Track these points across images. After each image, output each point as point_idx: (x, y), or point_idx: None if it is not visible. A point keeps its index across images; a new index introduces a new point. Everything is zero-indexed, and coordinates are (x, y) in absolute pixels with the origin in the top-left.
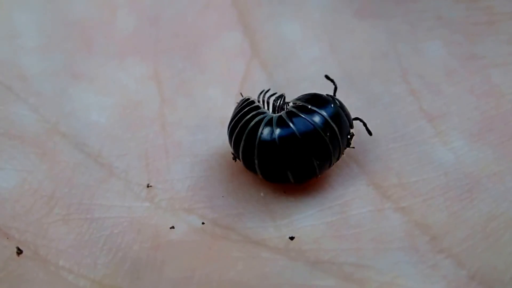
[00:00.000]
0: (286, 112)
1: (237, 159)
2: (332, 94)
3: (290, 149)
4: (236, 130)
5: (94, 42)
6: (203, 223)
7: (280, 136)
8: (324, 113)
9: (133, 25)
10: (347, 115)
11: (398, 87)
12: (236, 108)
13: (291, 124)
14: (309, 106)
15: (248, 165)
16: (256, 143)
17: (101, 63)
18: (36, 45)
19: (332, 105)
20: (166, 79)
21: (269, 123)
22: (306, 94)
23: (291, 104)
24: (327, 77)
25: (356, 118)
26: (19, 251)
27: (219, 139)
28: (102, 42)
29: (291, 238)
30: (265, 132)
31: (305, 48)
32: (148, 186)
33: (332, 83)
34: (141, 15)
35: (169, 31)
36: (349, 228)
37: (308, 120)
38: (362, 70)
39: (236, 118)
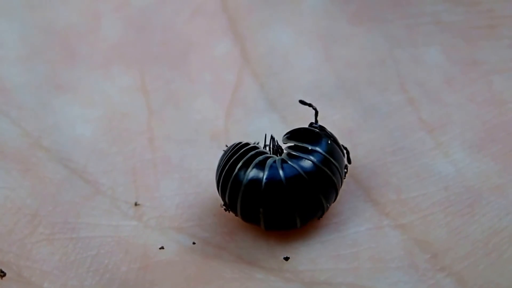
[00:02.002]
0: (287, 154)
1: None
2: (314, 120)
3: (298, 192)
4: (234, 174)
5: (78, 51)
6: (194, 243)
7: (287, 178)
8: (322, 151)
9: (119, 33)
10: (339, 145)
11: (396, 96)
12: (227, 153)
13: (296, 167)
14: (310, 147)
15: (250, 214)
16: (262, 187)
17: (86, 73)
18: (17, 55)
19: (329, 141)
20: (153, 90)
21: (273, 167)
22: (296, 131)
23: (286, 145)
24: (302, 102)
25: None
26: (2, 274)
27: (209, 153)
28: (86, 52)
29: (286, 258)
30: (270, 174)
31: (299, 56)
32: (135, 204)
33: (311, 108)
34: (127, 22)
35: (156, 39)
36: (346, 247)
37: (312, 161)
38: (358, 78)
39: (231, 162)
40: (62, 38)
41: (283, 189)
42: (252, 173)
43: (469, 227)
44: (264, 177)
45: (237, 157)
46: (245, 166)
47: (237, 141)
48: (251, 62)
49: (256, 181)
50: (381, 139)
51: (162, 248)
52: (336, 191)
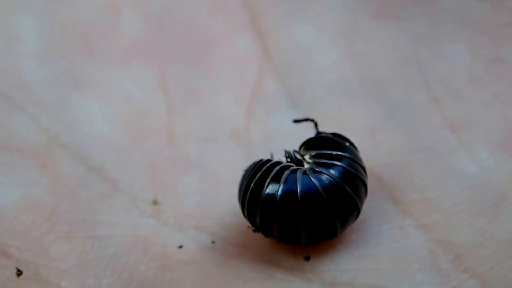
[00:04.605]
0: (314, 163)
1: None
2: (316, 131)
3: (335, 199)
4: (264, 192)
5: (97, 46)
6: (213, 242)
7: (322, 186)
8: (346, 154)
9: (138, 28)
10: (355, 146)
11: (420, 94)
12: (249, 172)
13: (328, 174)
14: (333, 153)
15: (289, 231)
16: (299, 200)
17: (105, 69)
18: (35, 50)
19: (347, 144)
20: (173, 86)
21: (305, 178)
22: (311, 140)
23: (307, 155)
24: (296, 121)
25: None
26: (19, 272)
27: (229, 151)
28: (105, 47)
29: (307, 258)
30: (304, 185)
31: (321, 53)
32: (154, 202)
33: (309, 122)
34: (146, 17)
35: (177, 35)
36: (368, 247)
37: (340, 166)
38: (381, 76)
39: (257, 180)
40: (81, 33)
41: (320, 198)
42: (284, 187)
43: (493, 227)
44: (299, 189)
45: (262, 173)
46: (275, 181)
47: (256, 159)
48: (272, 59)
49: (291, 194)
50: (404, 138)
51: (181, 247)
52: (366, 190)
